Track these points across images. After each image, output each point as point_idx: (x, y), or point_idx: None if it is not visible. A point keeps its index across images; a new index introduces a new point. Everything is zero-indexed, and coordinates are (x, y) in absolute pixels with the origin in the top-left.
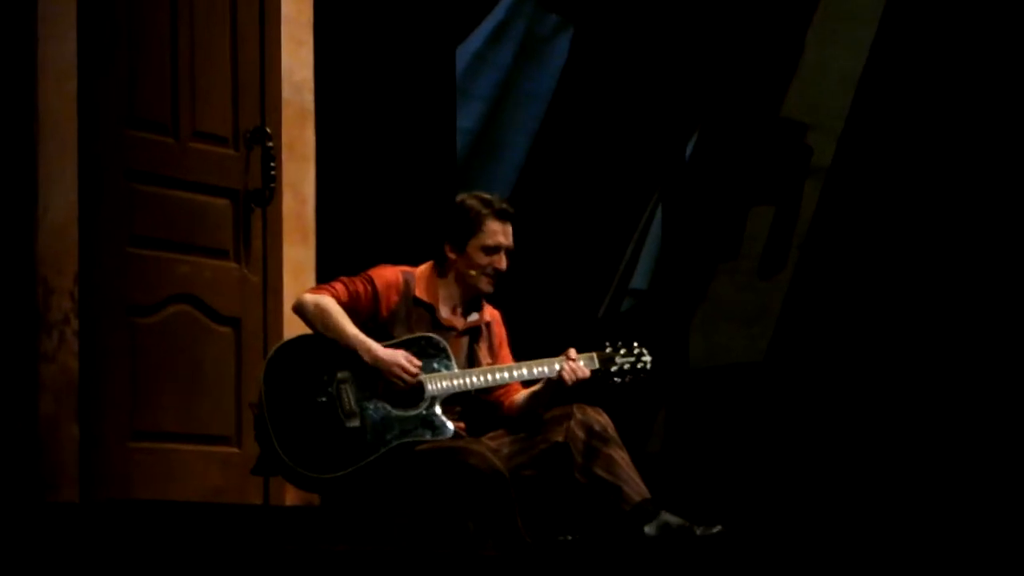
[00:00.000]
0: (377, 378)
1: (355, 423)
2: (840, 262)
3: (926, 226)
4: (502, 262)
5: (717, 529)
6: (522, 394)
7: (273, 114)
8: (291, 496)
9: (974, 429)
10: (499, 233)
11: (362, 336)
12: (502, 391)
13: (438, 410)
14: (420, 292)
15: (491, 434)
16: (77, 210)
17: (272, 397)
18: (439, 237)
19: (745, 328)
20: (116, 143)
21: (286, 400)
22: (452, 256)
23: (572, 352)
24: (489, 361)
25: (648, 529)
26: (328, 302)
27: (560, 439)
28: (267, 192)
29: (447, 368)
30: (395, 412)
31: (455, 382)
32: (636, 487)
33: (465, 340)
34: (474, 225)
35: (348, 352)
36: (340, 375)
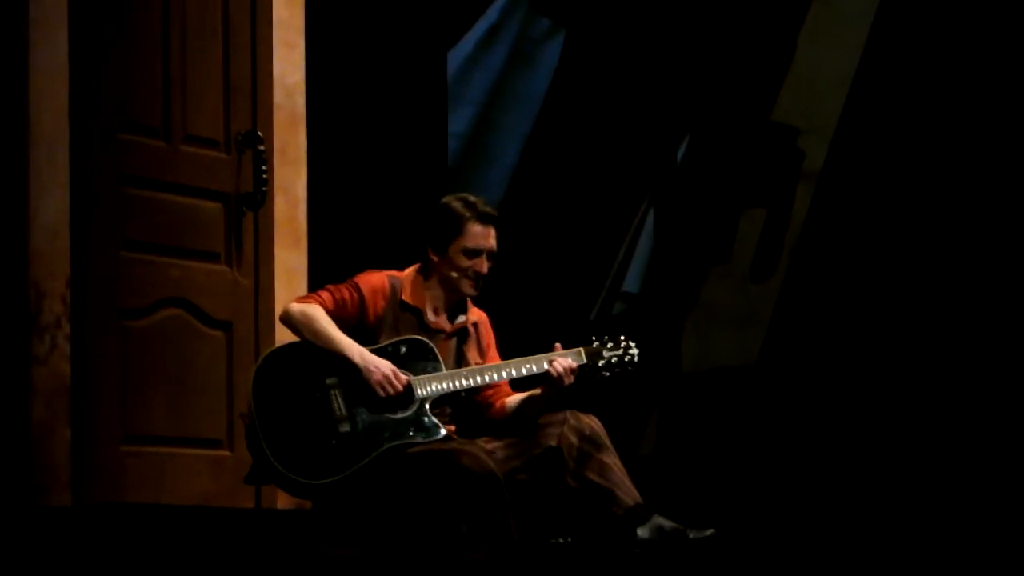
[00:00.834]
0: (366, 382)
1: (346, 428)
2: (832, 266)
3: (918, 230)
4: (483, 265)
5: (710, 532)
6: (515, 398)
7: (265, 118)
8: (283, 500)
9: (967, 431)
10: (480, 236)
11: (349, 340)
12: (491, 391)
13: (429, 412)
14: (407, 296)
15: (484, 438)
16: (69, 214)
17: (262, 406)
18: (422, 239)
19: (737, 331)
20: (108, 147)
21: (276, 408)
22: (435, 258)
23: (558, 347)
24: (479, 362)
25: (641, 532)
26: (315, 310)
27: (553, 443)
28: (259, 196)
29: (435, 370)
30: (386, 415)
31: (444, 384)
32: (628, 492)
33: (453, 342)
34: (456, 228)
35: (337, 357)
36: (329, 381)
